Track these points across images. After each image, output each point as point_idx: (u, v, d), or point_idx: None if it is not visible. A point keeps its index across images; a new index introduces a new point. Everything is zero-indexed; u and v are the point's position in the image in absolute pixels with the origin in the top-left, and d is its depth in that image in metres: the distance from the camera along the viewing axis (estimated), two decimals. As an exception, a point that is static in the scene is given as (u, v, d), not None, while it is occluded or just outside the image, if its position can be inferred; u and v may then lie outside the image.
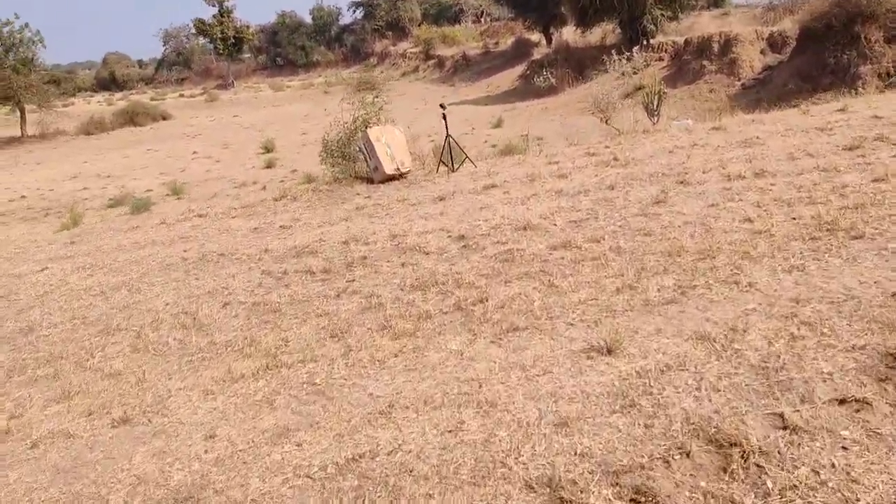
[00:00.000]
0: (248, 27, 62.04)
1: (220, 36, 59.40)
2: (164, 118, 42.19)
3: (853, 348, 3.06)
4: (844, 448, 2.52)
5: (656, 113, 9.43)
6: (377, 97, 9.71)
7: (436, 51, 48.47)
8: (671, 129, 9.58)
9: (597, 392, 3.19)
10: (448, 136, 8.90)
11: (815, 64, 17.22)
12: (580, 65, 29.80)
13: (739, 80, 22.18)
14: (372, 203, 8.12)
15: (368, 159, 8.90)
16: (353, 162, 9.34)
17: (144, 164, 26.46)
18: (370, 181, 9.13)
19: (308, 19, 70.16)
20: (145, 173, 24.10)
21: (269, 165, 21.69)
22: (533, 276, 5.10)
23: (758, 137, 8.03)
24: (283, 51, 69.13)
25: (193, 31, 64.43)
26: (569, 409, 3.06)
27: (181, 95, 53.77)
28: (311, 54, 67.27)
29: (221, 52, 60.87)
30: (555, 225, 6.21)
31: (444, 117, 8.87)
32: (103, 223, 11.03)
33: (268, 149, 25.17)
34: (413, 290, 5.25)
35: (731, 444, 2.57)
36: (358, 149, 9.09)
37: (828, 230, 4.78)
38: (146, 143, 32.95)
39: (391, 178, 8.96)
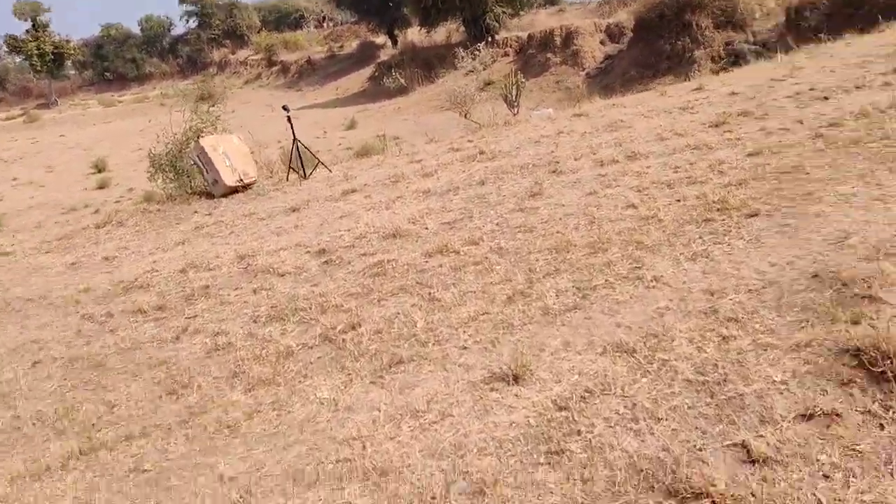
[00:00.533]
0: (68, 41, 56.83)
1: (36, 52, 53.87)
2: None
3: (798, 347, 2.61)
4: (826, 476, 2.02)
5: (516, 104, 9.07)
6: (213, 106, 8.58)
7: (279, 57, 46.80)
8: (532, 118, 9.25)
9: (511, 437, 2.52)
10: (295, 140, 8.00)
11: (653, 51, 17.92)
12: (428, 64, 29.73)
13: (584, 69, 22.84)
14: (213, 221, 7.06)
15: (205, 172, 7.80)
16: (188, 177, 8.18)
17: None
18: (210, 196, 8.02)
19: (137, 31, 65.44)
20: None
21: (102, 186, 19.77)
22: (410, 290, 4.38)
23: (622, 121, 7.82)
24: (112, 64, 64.02)
25: (5, 48, 58.23)
26: (481, 467, 2.37)
27: (-4, 118, 48.23)
28: (143, 67, 62.84)
29: (39, 69, 55.27)
30: (426, 229, 5.54)
31: (289, 119, 7.95)
32: None
33: (99, 168, 22.99)
34: (269, 322, 4.36)
35: (696, 496, 1.99)
36: (192, 162, 7.95)
37: (718, 210, 4.45)
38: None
39: (234, 191, 7.92)
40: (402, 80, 28.14)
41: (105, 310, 5.16)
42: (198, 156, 7.74)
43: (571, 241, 4.64)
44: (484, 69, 25.93)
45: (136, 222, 7.50)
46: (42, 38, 54.00)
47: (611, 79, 19.46)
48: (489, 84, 24.94)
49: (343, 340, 3.77)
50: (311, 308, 4.41)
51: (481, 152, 7.48)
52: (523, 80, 8.93)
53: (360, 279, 4.77)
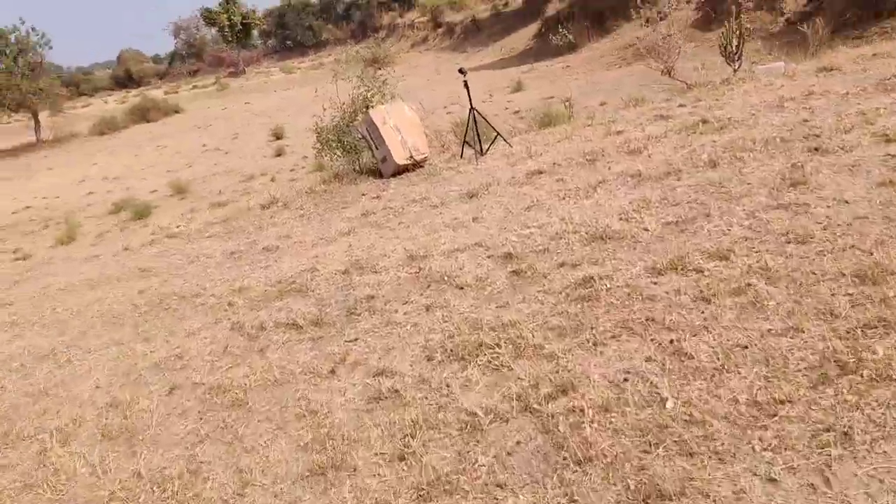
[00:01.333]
0: (254, 12, 60.15)
1: (227, 23, 57.63)
2: (177, 112, 41.19)
3: None
4: None
5: (738, 57, 7.24)
6: (380, 69, 7.65)
7: (444, 18, 46.13)
8: (758, 75, 7.42)
9: None
10: (472, 109, 6.88)
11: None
12: (599, 17, 27.33)
13: (783, 14, 19.54)
14: (381, 206, 6.17)
15: (374, 148, 6.94)
16: (355, 153, 7.39)
17: (153, 163, 25.20)
18: (379, 175, 7.17)
19: (315, -1, 67.96)
20: (152, 172, 22.88)
21: (279, 153, 20.28)
22: (638, 330, 3.13)
23: (898, 76, 5.87)
24: (292, 32, 67.20)
25: (202, 21, 63.04)
26: None
27: (194, 87, 52.49)
28: (320, 34, 65.23)
29: (230, 39, 59.20)
30: (646, 230, 4.21)
31: (466, 85, 6.84)
32: (64, 249, 9.28)
33: (277, 136, 23.75)
34: (445, 362, 3.32)
35: None
36: (360, 136, 7.13)
37: None
38: (157, 139, 31.76)
39: (404, 170, 7.00)
40: (571, 37, 26.13)
41: (257, 319, 4.41)
42: (367, 129, 6.90)
43: (881, 263, 3.13)
44: (661, 20, 23.40)
45: (301, 205, 6.84)
46: (232, 10, 57.48)
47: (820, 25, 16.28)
48: (669, 37, 22.37)
49: (554, 421, 2.61)
50: (499, 345, 3.30)
51: (703, 121, 5.90)
52: (748, 25, 7.09)
53: (561, 304, 3.58)
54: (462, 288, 4.08)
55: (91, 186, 21.60)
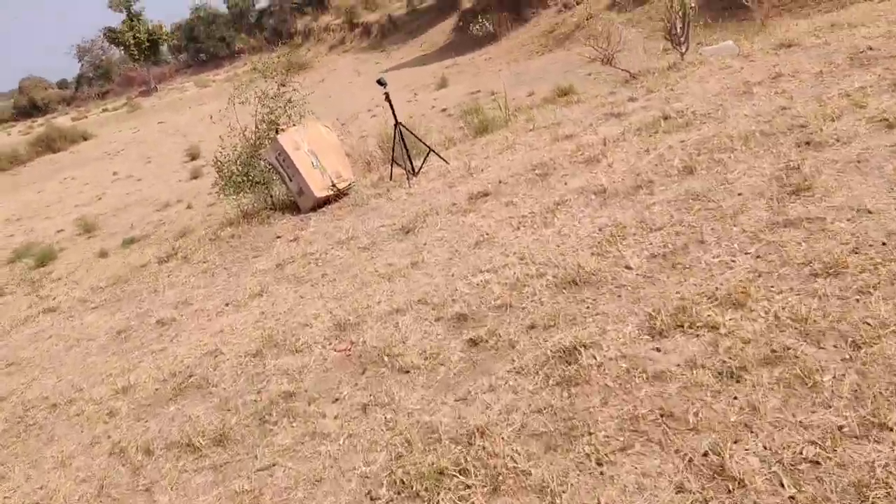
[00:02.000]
0: (161, 27, 57.40)
1: (132, 41, 54.79)
2: (85, 138, 38.78)
3: None
4: None
5: (683, 39, 6.49)
6: (282, 86, 6.56)
7: (360, 18, 44.97)
8: (706, 57, 6.70)
9: None
10: (397, 123, 5.92)
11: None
12: (516, 5, 26.81)
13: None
14: (300, 252, 5.15)
15: (288, 179, 5.90)
16: (265, 186, 6.32)
17: (59, 198, 23.40)
18: (296, 209, 6.13)
19: (224, 8, 65.42)
20: (59, 209, 21.21)
21: (196, 175, 18.98)
22: (654, 434, 2.27)
23: (871, 48, 5.21)
24: (204, 45, 64.56)
25: (105, 41, 60.00)
26: None
27: (104, 110, 49.78)
28: (233, 44, 62.91)
29: (137, 57, 56.36)
30: (629, 268, 3.36)
31: (388, 98, 5.86)
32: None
33: (193, 156, 22.35)
34: (396, 502, 2.39)
35: None
36: (268, 165, 6.09)
37: None
38: (64, 170, 29.70)
39: (325, 202, 5.99)
40: (490, 27, 25.56)
41: (145, 436, 3.36)
42: (276, 157, 5.86)
43: (955, 303, 2.35)
44: (579, 3, 23.09)
45: (205, 256, 5.73)
46: (137, 27, 54.71)
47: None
48: (589, 19, 21.90)
49: None
50: (467, 471, 2.38)
51: (664, 117, 5.11)
52: (691, 3, 6.34)
53: (541, 391, 2.69)
54: (408, 371, 3.14)
55: (-11, 232, 19.78)
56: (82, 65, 70.08)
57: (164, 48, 61.43)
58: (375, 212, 5.46)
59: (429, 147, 6.10)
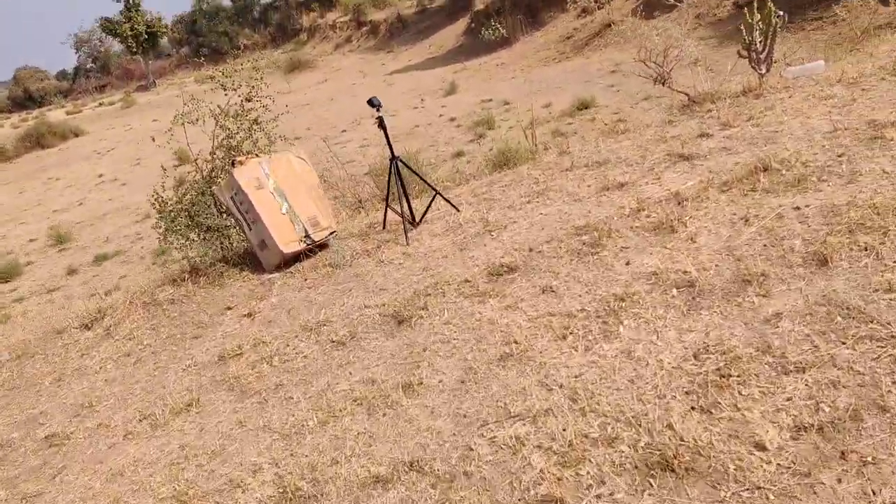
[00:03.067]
0: (160, 19, 55.98)
1: (130, 33, 53.36)
2: (77, 135, 37.44)
3: None
4: None
5: (764, 57, 5.04)
6: (247, 100, 5.06)
7: (367, 17, 43.62)
8: (791, 80, 5.28)
9: None
10: (394, 157, 4.49)
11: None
12: (532, 9, 25.45)
13: (743, -4, 17.80)
14: (253, 339, 3.72)
15: (246, 227, 4.47)
16: (220, 234, 4.87)
17: (39, 200, 22.19)
18: (258, 264, 4.69)
19: (227, 2, 63.98)
20: (36, 213, 19.99)
21: (181, 182, 17.68)
22: None
23: None
24: (206, 39, 63.09)
25: (101, 32, 58.66)
26: None
27: (100, 104, 48.35)
28: (236, 39, 61.47)
29: (135, 50, 54.93)
30: (760, 449, 1.94)
31: (381, 123, 4.42)
32: None
33: (182, 159, 21.03)
34: None
35: None
36: (222, 207, 4.67)
37: None
38: (50, 169, 28.38)
39: (295, 258, 4.55)
40: (503, 30, 24.17)
41: None
42: (232, 198, 4.43)
43: None
44: (600, 8, 21.78)
45: (132, 330, 4.29)
46: (135, 18, 53.28)
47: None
48: (608, 26, 20.52)
49: None
50: None
51: (764, 168, 3.68)
52: (779, 13, 4.89)
53: None
54: None
55: (-44, 237, 18.45)
56: (80, 56, 68.63)
57: (163, 41, 60.02)
58: (360, 281, 4.03)
59: (434, 189, 4.67)
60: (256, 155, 4.66)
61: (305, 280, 4.22)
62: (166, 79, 57.23)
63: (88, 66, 69.22)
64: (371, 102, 4.34)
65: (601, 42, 21.19)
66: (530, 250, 3.69)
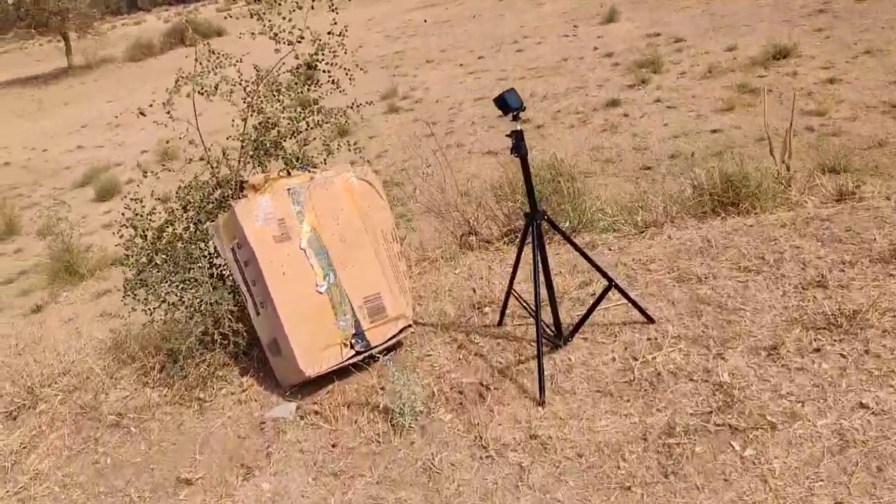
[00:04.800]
0: None
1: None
2: (219, 34, 37.50)
3: None
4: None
5: None
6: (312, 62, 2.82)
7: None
8: None
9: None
10: (535, 216, 2.23)
11: None
12: None
13: None
14: None
15: (252, 307, 2.41)
16: (212, 294, 2.76)
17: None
18: (268, 370, 2.62)
19: None
20: (159, 116, 18.97)
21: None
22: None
23: None
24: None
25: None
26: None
27: (247, 2, 48.38)
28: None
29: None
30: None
31: (520, 148, 2.13)
32: None
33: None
34: None
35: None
36: (223, 260, 2.61)
37: None
38: (187, 68, 28.05)
39: (330, 371, 2.45)
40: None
41: None
42: (233, 250, 2.38)
43: None
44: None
45: (47, 453, 2.40)
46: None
47: None
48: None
49: None
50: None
51: None
52: None
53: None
54: None
55: (84, 138, 18.14)
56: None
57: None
58: (428, 486, 1.91)
59: (608, 277, 2.34)
60: (288, 172, 2.54)
61: (333, 446, 2.15)
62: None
63: (246, -39, 69.32)
64: (502, 102, 2.08)
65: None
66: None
